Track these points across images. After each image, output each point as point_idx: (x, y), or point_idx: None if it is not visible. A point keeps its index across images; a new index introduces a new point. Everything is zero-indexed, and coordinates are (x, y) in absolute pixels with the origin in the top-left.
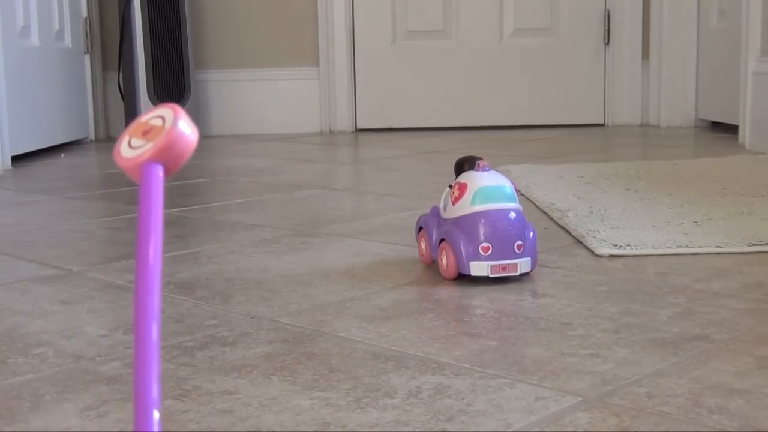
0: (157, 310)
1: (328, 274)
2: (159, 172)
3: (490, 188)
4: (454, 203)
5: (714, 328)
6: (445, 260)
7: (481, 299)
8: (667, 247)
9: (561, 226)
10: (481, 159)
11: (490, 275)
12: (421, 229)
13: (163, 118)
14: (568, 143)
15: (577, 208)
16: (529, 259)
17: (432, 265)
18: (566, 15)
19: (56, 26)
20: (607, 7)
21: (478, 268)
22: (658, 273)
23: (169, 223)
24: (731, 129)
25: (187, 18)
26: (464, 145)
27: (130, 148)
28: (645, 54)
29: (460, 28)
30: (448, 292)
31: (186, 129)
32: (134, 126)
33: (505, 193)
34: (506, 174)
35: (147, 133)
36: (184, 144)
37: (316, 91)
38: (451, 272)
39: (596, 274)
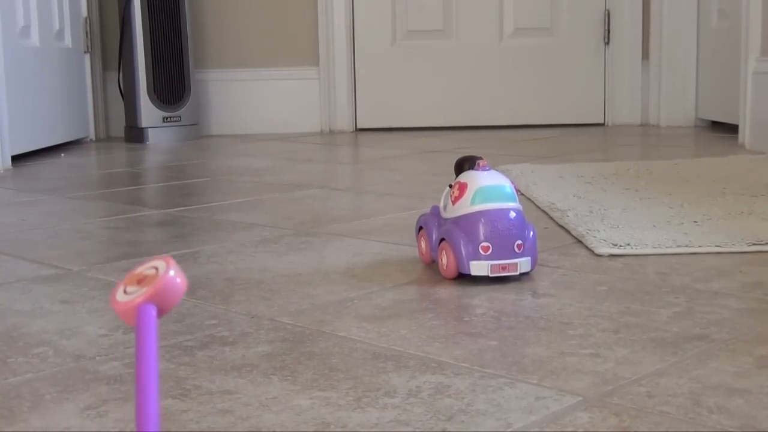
0: None
1: (328, 274)
2: (152, 311)
3: (490, 188)
4: (454, 203)
5: (714, 328)
6: (445, 260)
7: (481, 299)
8: (667, 247)
9: (561, 226)
10: (481, 159)
11: (490, 275)
12: (421, 228)
13: (156, 268)
14: (568, 143)
15: (577, 208)
16: (529, 258)
17: (432, 264)
18: (566, 15)
19: (56, 26)
20: (607, 7)
21: (478, 268)
22: (658, 273)
23: (169, 223)
24: (731, 129)
25: (187, 18)
26: (464, 145)
27: (125, 294)
28: (645, 54)
29: (460, 28)
30: (448, 292)
31: (177, 276)
32: (129, 277)
33: (505, 192)
34: (506, 174)
35: (141, 281)
36: (175, 288)
37: (316, 91)
38: (451, 272)
39: (596, 274)
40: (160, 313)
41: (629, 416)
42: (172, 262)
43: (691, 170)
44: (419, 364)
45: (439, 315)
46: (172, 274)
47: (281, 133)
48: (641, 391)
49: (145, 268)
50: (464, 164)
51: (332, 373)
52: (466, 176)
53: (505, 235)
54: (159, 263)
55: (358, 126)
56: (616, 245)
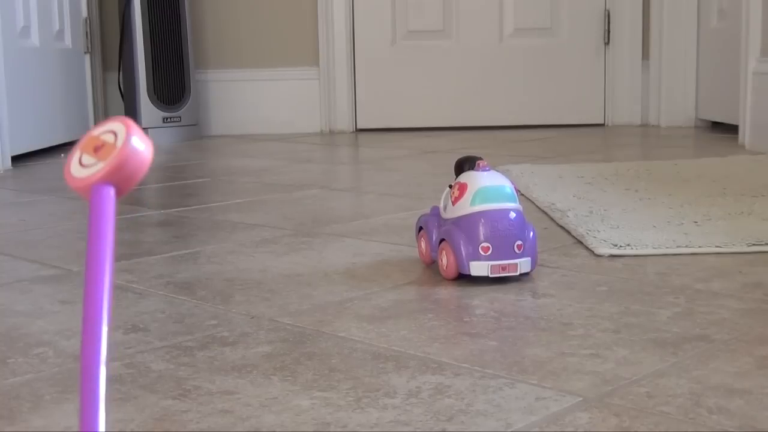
0: (103, 339)
1: (328, 274)
2: (110, 193)
3: (490, 188)
4: (454, 203)
5: (714, 328)
6: (445, 260)
7: (481, 299)
8: (667, 247)
9: (561, 226)
10: (481, 159)
11: (490, 275)
12: (421, 229)
13: (115, 134)
14: (568, 143)
15: (577, 208)
16: (529, 259)
17: (432, 265)
18: (566, 15)
19: (56, 26)
20: (607, 7)
21: (478, 268)
22: (658, 273)
23: (169, 223)
24: (731, 129)
25: (187, 18)
26: (464, 145)
27: (81, 166)
28: (645, 54)
29: (460, 28)
30: (448, 292)
31: (139, 146)
32: (85, 141)
33: (505, 193)
34: (506, 174)
35: (98, 149)
36: (137, 163)
37: (316, 91)
38: (451, 272)
39: (596, 274)
40: (122, 191)
41: (629, 416)
42: (133, 125)
43: (691, 170)
44: (419, 365)
45: (439, 315)
46: (134, 144)
47: (281, 133)
48: (641, 391)
49: (102, 132)
50: (464, 165)
51: (332, 374)
52: (466, 177)
53: (505, 236)
54: (117, 126)
55: (358, 126)
56: (616, 246)
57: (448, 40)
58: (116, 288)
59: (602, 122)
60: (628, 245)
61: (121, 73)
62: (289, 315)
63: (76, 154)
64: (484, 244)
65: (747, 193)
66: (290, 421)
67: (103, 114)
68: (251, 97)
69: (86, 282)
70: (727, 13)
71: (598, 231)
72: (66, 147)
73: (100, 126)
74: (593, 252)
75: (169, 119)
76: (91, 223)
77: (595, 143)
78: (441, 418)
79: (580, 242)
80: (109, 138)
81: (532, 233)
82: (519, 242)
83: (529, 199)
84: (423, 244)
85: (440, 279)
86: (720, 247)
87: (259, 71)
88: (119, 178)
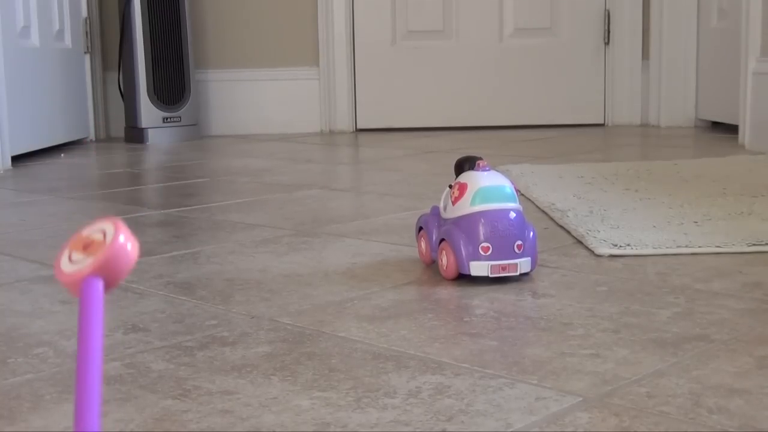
0: (97, 421)
1: (328, 274)
2: (99, 286)
3: (490, 188)
4: (454, 203)
5: (714, 328)
6: (445, 260)
7: (481, 299)
8: (667, 247)
9: (561, 226)
10: (480, 159)
11: (490, 275)
12: (421, 229)
13: (104, 232)
14: (568, 143)
15: (577, 208)
16: (529, 259)
17: (432, 265)
18: (566, 15)
19: (56, 26)
20: (607, 7)
21: (478, 268)
22: (658, 273)
23: (169, 223)
24: (731, 129)
25: (187, 18)
26: (464, 145)
27: (71, 262)
28: (645, 54)
29: (460, 28)
30: (448, 292)
31: (127, 244)
32: (75, 239)
33: (505, 193)
34: (506, 174)
35: (87, 247)
36: (125, 259)
37: (316, 91)
38: (451, 272)
39: (596, 274)
40: (110, 285)
41: (629, 416)
42: (122, 225)
43: (691, 170)
44: (419, 365)
45: (439, 315)
46: (122, 241)
47: (281, 133)
48: (641, 391)
49: (93, 231)
50: (464, 164)
51: (332, 374)
52: (466, 177)
53: (505, 236)
54: (107, 226)
55: (358, 126)
56: (616, 245)
57: (448, 40)
58: (116, 288)
59: (602, 122)
60: (628, 245)
61: (121, 73)
62: (289, 315)
63: (65, 252)
64: (484, 244)
65: (747, 193)
66: (290, 421)
67: (103, 114)
68: (251, 97)
69: (78, 370)
70: (727, 12)
71: (598, 231)
72: (66, 147)
73: (90, 226)
74: (593, 252)
75: (169, 119)
76: (82, 315)
77: (595, 143)
78: (441, 418)
79: (580, 242)
80: (98, 236)
81: (532, 233)
82: (519, 242)
83: (529, 199)
84: (423, 244)
85: (440, 279)
86: (720, 247)
87: (259, 71)
88: (107, 271)
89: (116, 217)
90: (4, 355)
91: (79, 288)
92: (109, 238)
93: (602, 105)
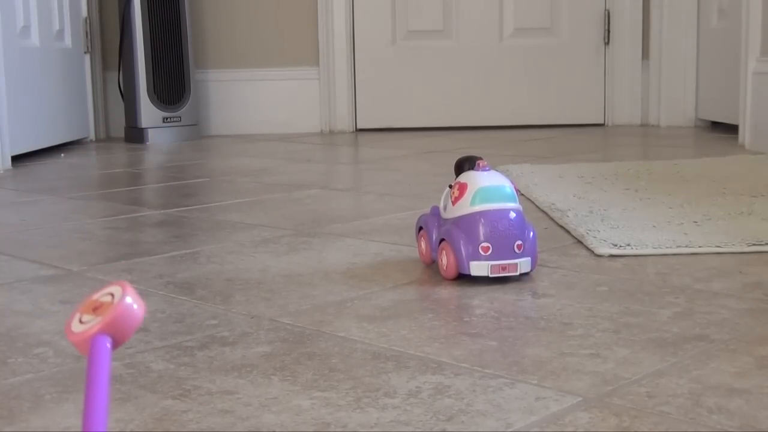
0: None
1: (328, 274)
2: (107, 343)
3: (490, 188)
4: (454, 203)
5: (714, 328)
6: (445, 260)
7: (481, 299)
8: (667, 247)
9: (561, 226)
10: (480, 159)
11: (490, 275)
12: (421, 229)
13: (112, 295)
14: (568, 143)
15: (577, 208)
16: (529, 259)
17: (432, 265)
18: (566, 15)
19: (56, 26)
20: (607, 7)
21: (478, 268)
22: (658, 273)
23: (169, 223)
24: (731, 129)
25: (187, 18)
26: (464, 145)
27: (80, 323)
28: (645, 54)
29: (460, 28)
30: (448, 292)
31: (133, 304)
32: (85, 304)
33: (505, 193)
34: (506, 174)
35: (97, 309)
36: (131, 318)
37: (316, 91)
38: (451, 272)
39: (596, 274)
40: (117, 343)
41: (629, 416)
42: (129, 288)
43: (691, 170)
44: (419, 365)
45: (439, 315)
46: (129, 302)
47: (281, 133)
48: (641, 391)
49: (101, 295)
50: (464, 164)
51: (332, 374)
52: (466, 177)
53: (505, 236)
54: (115, 289)
55: (358, 126)
56: (616, 245)
57: (448, 40)
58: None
59: (602, 122)
60: (628, 245)
61: (121, 73)
62: (289, 315)
63: (76, 315)
64: (484, 244)
65: (747, 193)
66: (290, 421)
67: (103, 114)
68: (251, 97)
69: (84, 423)
70: (727, 13)
71: (598, 231)
72: (66, 147)
73: (99, 291)
74: (593, 252)
75: (169, 119)
76: (90, 370)
77: (595, 143)
78: (441, 418)
79: (580, 242)
80: (107, 299)
81: (532, 233)
82: (519, 242)
83: (529, 199)
84: (423, 244)
85: (440, 279)
86: (720, 246)
87: (259, 71)
88: (115, 329)
89: (124, 281)
90: (4, 355)
91: (88, 346)
92: (116, 299)
93: (602, 105)
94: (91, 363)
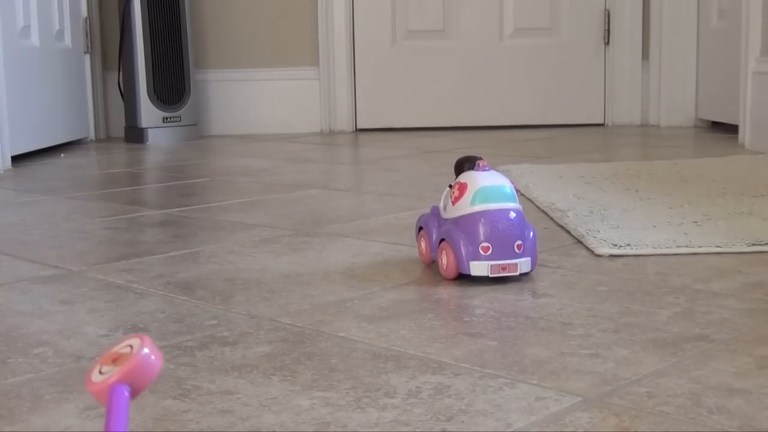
0: None
1: (328, 274)
2: (125, 391)
3: (490, 188)
4: (454, 203)
5: (714, 328)
6: (445, 260)
7: (481, 299)
8: (667, 247)
9: (561, 226)
10: (480, 159)
11: (490, 275)
12: (421, 229)
13: (131, 346)
14: (568, 143)
15: (577, 208)
16: (529, 259)
17: (432, 265)
18: (566, 15)
19: (56, 26)
20: (607, 7)
21: (478, 268)
22: (658, 273)
23: (169, 223)
24: (731, 129)
25: (187, 18)
26: (464, 145)
27: (100, 374)
28: (645, 54)
29: (460, 28)
30: (448, 292)
31: (151, 355)
32: (104, 356)
33: (505, 192)
34: (506, 174)
35: (116, 360)
36: (149, 368)
37: (316, 91)
38: (451, 272)
39: (596, 274)
40: (135, 392)
41: (629, 416)
42: (147, 339)
43: (691, 170)
44: (419, 365)
45: (439, 315)
46: (146, 352)
47: (281, 133)
48: (641, 391)
49: (121, 347)
50: (464, 164)
51: (332, 373)
52: (466, 176)
53: (505, 236)
54: (134, 341)
55: (358, 126)
56: (616, 245)
57: (448, 40)
58: (116, 288)
59: (602, 122)
60: (628, 245)
61: (121, 72)
62: (289, 315)
63: (96, 367)
64: (484, 244)
65: (747, 193)
66: (290, 421)
67: (103, 114)
68: (251, 97)
69: None
70: (727, 13)
71: (598, 231)
72: (66, 147)
73: (119, 343)
74: (593, 252)
75: (169, 119)
76: (109, 418)
77: (595, 143)
78: (441, 418)
79: (580, 242)
80: (126, 350)
81: (532, 233)
82: (519, 242)
83: (529, 199)
84: (423, 244)
85: (440, 279)
86: (720, 247)
87: (260, 71)
88: (133, 378)
89: (143, 334)
90: (4, 355)
91: (107, 394)
92: (135, 349)
93: (602, 105)
94: (110, 410)
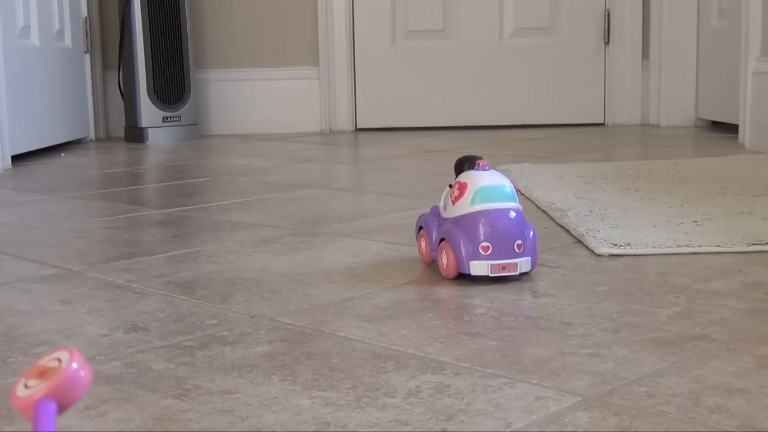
0: None
1: (328, 273)
2: (51, 408)
3: (490, 188)
4: (454, 203)
5: (714, 328)
6: (445, 260)
7: (481, 299)
8: (667, 247)
9: (561, 226)
10: (480, 158)
11: (490, 275)
12: (421, 228)
13: (59, 360)
14: (568, 143)
15: (577, 208)
16: (529, 258)
17: (432, 264)
18: (566, 14)
19: (56, 26)
20: (607, 7)
21: (478, 268)
22: (658, 272)
23: (169, 223)
24: (731, 129)
25: (187, 18)
26: (464, 145)
27: (26, 388)
28: (645, 54)
29: (460, 28)
30: (448, 292)
31: (79, 370)
32: (31, 369)
33: (504, 192)
34: (506, 173)
35: (43, 374)
36: (77, 383)
37: (316, 91)
38: (451, 272)
39: (596, 274)
40: (62, 408)
41: (629, 416)
42: (77, 353)
43: (691, 170)
44: (419, 364)
45: (439, 315)
46: (75, 367)
47: (281, 133)
48: (641, 391)
49: (48, 360)
50: (464, 164)
51: (332, 373)
52: (466, 176)
53: (505, 235)
54: (62, 354)
55: (358, 126)
56: (616, 245)
57: (448, 40)
58: (116, 287)
59: (602, 122)
60: (628, 245)
61: (121, 72)
62: (289, 315)
63: (21, 381)
64: (484, 244)
65: (747, 193)
66: (290, 421)
67: (103, 114)
68: (251, 96)
69: None
70: (727, 12)
71: (598, 230)
72: (66, 146)
73: (46, 356)
74: (593, 251)
75: (169, 119)
76: None
77: (595, 143)
78: (441, 418)
79: (580, 242)
80: (54, 363)
81: (532, 233)
82: (519, 242)
83: (529, 199)
84: (423, 244)
85: (440, 278)
86: (720, 246)
87: (259, 71)
88: (60, 394)
89: (72, 347)
90: (4, 354)
91: (32, 411)
92: (64, 363)
93: (602, 105)
94: (36, 427)
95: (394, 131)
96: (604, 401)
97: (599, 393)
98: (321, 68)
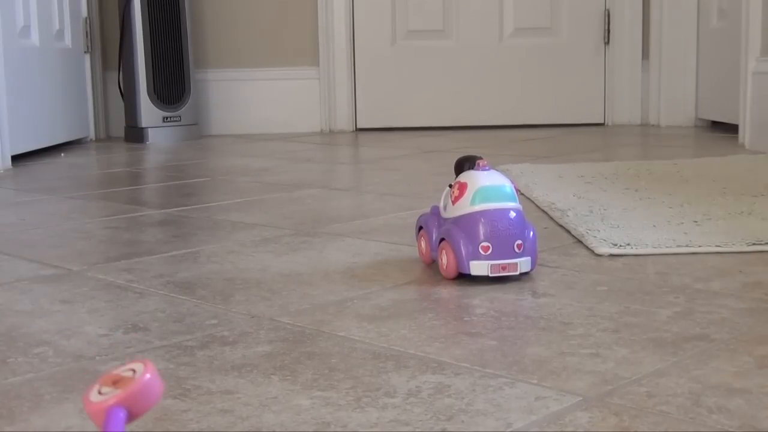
0: None
1: (328, 273)
2: (121, 414)
3: (490, 188)
4: (454, 203)
5: (714, 328)
6: (445, 259)
7: (481, 299)
8: (667, 247)
9: (561, 226)
10: (480, 158)
11: (490, 275)
12: (421, 228)
13: (134, 371)
14: (568, 143)
15: (577, 208)
16: (529, 258)
17: (432, 264)
18: (566, 15)
19: (56, 26)
20: (607, 7)
21: (478, 268)
22: (658, 272)
23: (169, 222)
24: (731, 129)
25: (187, 18)
26: (464, 145)
27: (99, 394)
28: (645, 54)
29: (460, 28)
30: (448, 292)
31: (153, 382)
32: (106, 377)
33: (504, 192)
34: (506, 173)
35: (117, 382)
36: (149, 394)
37: (316, 91)
38: (451, 271)
39: (596, 274)
40: (132, 416)
41: (629, 416)
42: (151, 365)
43: (691, 170)
44: (419, 364)
45: (439, 315)
46: (149, 378)
47: (281, 133)
48: (641, 391)
49: (123, 370)
50: (464, 164)
51: (332, 373)
52: (466, 176)
53: (505, 235)
54: (137, 365)
55: (358, 126)
56: (616, 245)
57: (448, 40)
58: (116, 287)
59: (602, 122)
60: (628, 245)
61: (121, 72)
62: (289, 315)
63: (96, 386)
64: (484, 244)
65: (747, 193)
66: (290, 421)
67: (103, 114)
68: (251, 96)
69: None
70: (727, 12)
71: (598, 230)
72: (66, 146)
73: (122, 366)
74: (593, 251)
75: (169, 119)
76: None
77: (595, 143)
78: (441, 418)
79: (580, 242)
80: (128, 374)
81: (532, 233)
82: (519, 242)
83: (529, 199)
84: (423, 244)
85: (440, 278)
86: (720, 246)
87: (260, 71)
88: (132, 403)
89: (147, 359)
90: (4, 354)
91: (103, 417)
92: (138, 374)
93: (602, 105)
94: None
95: (394, 131)
96: (604, 401)
97: (599, 393)
98: (321, 68)
